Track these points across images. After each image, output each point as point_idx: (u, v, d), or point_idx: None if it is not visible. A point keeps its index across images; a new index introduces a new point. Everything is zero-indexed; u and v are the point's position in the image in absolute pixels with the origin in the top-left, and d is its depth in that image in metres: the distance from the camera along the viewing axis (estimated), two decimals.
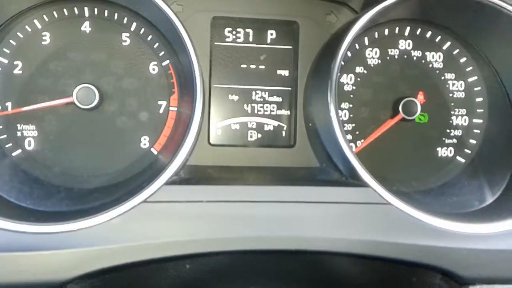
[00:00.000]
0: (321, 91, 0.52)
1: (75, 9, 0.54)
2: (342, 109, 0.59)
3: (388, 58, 0.60)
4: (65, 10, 0.55)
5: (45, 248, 0.43)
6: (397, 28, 0.59)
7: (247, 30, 0.58)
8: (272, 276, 0.48)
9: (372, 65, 0.60)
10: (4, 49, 0.56)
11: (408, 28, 0.59)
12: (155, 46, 0.56)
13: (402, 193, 0.51)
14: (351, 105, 0.59)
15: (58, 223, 0.42)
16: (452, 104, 0.61)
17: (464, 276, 0.48)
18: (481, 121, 0.60)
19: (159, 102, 0.56)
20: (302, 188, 0.49)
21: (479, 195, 0.55)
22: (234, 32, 0.58)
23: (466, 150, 0.60)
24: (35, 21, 0.55)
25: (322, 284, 0.43)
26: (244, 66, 0.58)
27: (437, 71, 0.60)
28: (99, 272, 0.43)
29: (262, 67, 0.59)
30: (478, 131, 0.61)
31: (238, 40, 0.59)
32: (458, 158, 0.60)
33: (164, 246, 0.43)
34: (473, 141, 0.60)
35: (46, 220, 0.42)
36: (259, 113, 0.58)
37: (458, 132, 0.61)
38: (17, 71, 0.56)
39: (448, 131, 0.61)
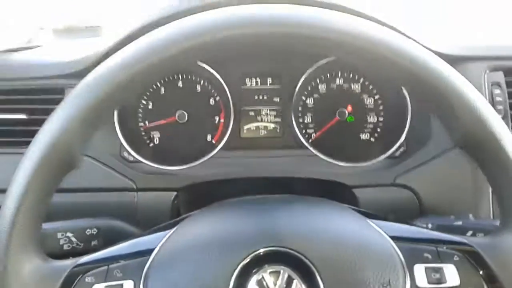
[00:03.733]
0: (289, 110, 1.01)
1: (175, 76, 0.96)
2: (307, 116, 1.01)
3: (330, 88, 1.01)
4: (170, 77, 0.96)
5: (174, 173, 0.91)
6: (333, 73, 1.01)
7: (257, 79, 1.01)
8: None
9: (322, 93, 1.01)
10: (144, 96, 0.95)
11: (339, 73, 1.01)
12: (212, 90, 0.96)
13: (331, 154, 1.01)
14: (312, 114, 1.01)
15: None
16: (366, 111, 1.01)
17: (350, 184, 0.88)
18: (382, 118, 1.01)
19: (215, 117, 0.97)
20: (281, 151, 0.97)
21: (371, 153, 0.98)
22: (250, 80, 1.00)
23: (375, 134, 1.01)
24: (160, 87, 0.97)
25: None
26: (256, 97, 1.01)
27: (357, 94, 1.01)
28: (200, 184, 0.87)
29: (265, 97, 1.01)
30: (381, 124, 1.01)
31: (253, 84, 1.00)
32: (371, 139, 1.01)
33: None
34: (378, 129, 1.01)
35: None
36: (265, 120, 1.01)
37: (370, 125, 1.01)
38: (150, 106, 0.96)
39: (365, 125, 1.01)
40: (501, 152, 0.51)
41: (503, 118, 0.92)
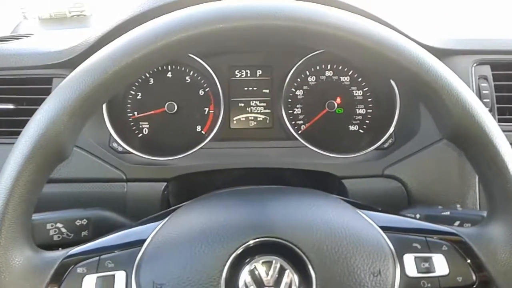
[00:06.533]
0: (279, 101, 1.02)
1: (164, 67, 0.97)
2: (297, 108, 1.02)
3: (320, 80, 1.02)
4: (159, 68, 0.97)
5: (164, 163, 0.91)
6: (323, 66, 1.03)
7: (247, 70, 1.01)
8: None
9: (312, 85, 1.02)
10: (133, 87, 0.96)
11: (329, 65, 1.03)
12: (202, 81, 0.98)
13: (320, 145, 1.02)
14: (301, 106, 1.02)
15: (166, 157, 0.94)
16: (355, 102, 1.02)
17: (339, 175, 0.88)
18: (371, 110, 1.03)
19: (204, 108, 0.98)
20: (271, 142, 0.99)
21: (360, 145, 1.01)
22: (240, 72, 1.01)
23: (364, 126, 1.03)
24: (149, 78, 0.97)
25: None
26: (246, 88, 1.02)
27: (347, 86, 1.02)
28: (190, 175, 0.88)
29: (255, 88, 1.02)
30: (369, 116, 1.02)
31: (242, 75, 1.01)
32: (360, 130, 1.03)
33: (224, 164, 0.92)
34: (367, 121, 1.02)
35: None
36: (254, 111, 1.01)
37: (359, 117, 1.02)
38: (139, 97, 0.96)
39: (354, 117, 1.02)
40: (490, 146, 0.51)
41: (489, 111, 0.94)
